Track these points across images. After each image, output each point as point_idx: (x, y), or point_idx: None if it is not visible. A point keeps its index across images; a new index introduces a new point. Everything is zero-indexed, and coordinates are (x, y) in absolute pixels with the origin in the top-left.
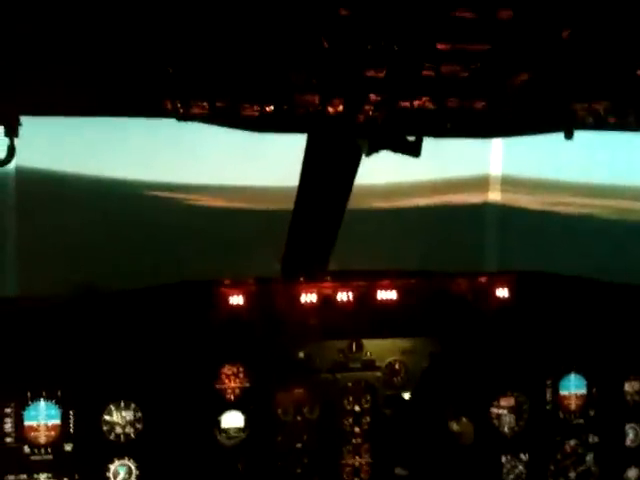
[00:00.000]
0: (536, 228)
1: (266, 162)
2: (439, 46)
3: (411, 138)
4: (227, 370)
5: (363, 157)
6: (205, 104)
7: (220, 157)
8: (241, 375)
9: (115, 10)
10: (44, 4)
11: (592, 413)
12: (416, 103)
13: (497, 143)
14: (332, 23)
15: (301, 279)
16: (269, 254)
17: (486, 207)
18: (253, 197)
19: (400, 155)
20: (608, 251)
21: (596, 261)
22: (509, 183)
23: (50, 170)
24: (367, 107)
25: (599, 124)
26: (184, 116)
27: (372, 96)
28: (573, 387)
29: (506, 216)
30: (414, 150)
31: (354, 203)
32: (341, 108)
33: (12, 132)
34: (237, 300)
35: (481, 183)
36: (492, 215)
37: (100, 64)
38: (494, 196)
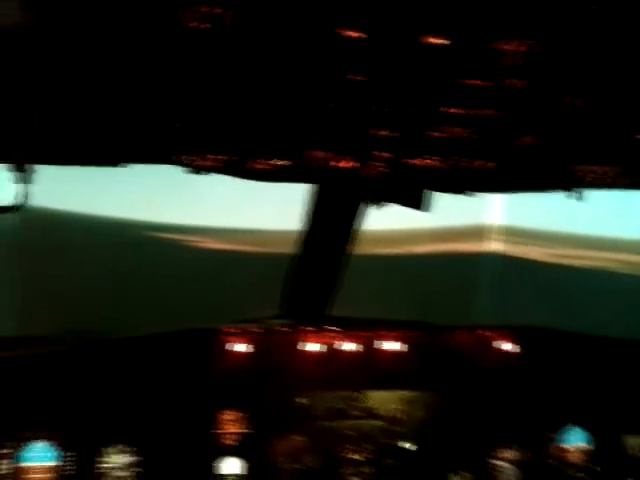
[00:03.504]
0: (540, 280)
1: (269, 205)
2: (446, 110)
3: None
4: (227, 416)
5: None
6: (217, 157)
7: (224, 199)
8: (240, 421)
9: (132, 67)
10: (62, 60)
11: (593, 466)
12: (425, 162)
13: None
14: (342, 87)
15: (303, 327)
16: (270, 297)
17: (487, 257)
18: (256, 240)
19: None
20: (622, 307)
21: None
22: (512, 233)
23: (54, 210)
24: (374, 163)
25: (601, 185)
26: (196, 168)
27: (379, 154)
28: (574, 440)
29: (508, 267)
30: (415, 203)
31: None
32: (348, 164)
33: (25, 180)
34: (239, 347)
35: (482, 232)
36: (492, 266)
37: (114, 119)
38: (496, 246)
